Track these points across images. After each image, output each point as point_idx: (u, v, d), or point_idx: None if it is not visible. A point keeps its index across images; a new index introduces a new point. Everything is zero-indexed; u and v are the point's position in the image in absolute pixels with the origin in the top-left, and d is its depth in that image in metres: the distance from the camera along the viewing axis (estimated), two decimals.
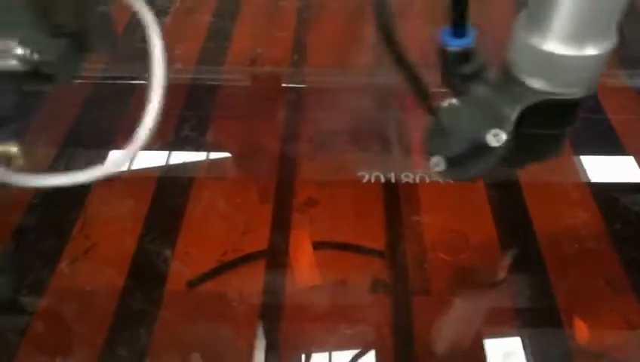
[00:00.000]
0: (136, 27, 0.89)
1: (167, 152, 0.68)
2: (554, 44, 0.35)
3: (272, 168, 0.67)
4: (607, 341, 0.52)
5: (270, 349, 0.51)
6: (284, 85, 0.79)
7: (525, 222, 0.60)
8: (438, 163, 0.41)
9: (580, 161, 0.67)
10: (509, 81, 0.39)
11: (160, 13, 0.93)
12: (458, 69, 0.40)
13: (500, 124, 0.38)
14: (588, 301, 0.55)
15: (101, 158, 0.67)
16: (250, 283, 0.56)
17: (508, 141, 0.38)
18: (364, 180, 0.65)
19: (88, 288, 0.55)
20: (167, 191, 0.64)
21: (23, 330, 0.52)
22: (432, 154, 0.42)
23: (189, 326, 0.52)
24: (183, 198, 0.63)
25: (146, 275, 0.56)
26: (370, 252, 0.59)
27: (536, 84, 0.38)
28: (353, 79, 0.79)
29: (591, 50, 0.35)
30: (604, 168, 0.66)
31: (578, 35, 0.35)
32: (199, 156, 0.69)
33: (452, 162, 0.41)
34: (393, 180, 0.65)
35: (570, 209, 0.62)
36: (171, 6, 0.94)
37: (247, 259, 0.58)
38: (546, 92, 0.38)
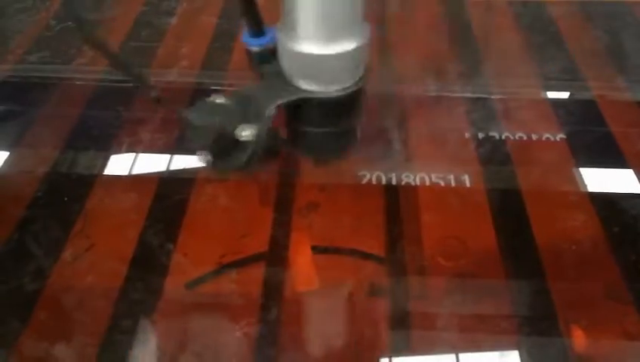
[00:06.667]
0: (140, 29, 0.90)
1: (168, 155, 0.69)
2: (300, 44, 0.38)
3: (272, 170, 0.67)
4: (603, 350, 0.51)
5: (267, 351, 0.51)
6: None
7: (525, 228, 0.60)
8: (203, 157, 0.43)
9: (581, 171, 0.66)
10: (275, 80, 0.41)
11: (167, 14, 0.94)
12: (256, 68, 0.42)
13: (255, 120, 0.40)
14: (586, 308, 0.54)
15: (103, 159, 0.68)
16: (248, 286, 0.56)
17: (261, 136, 0.40)
18: (365, 180, 0.65)
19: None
20: (167, 194, 0.65)
21: (26, 318, 0.52)
22: (196, 148, 0.43)
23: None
24: (183, 199, 0.63)
25: (148, 270, 0.57)
26: (369, 256, 0.59)
27: (296, 83, 0.40)
28: None
29: (332, 50, 0.37)
30: (605, 179, 0.65)
31: (318, 35, 0.37)
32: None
33: (216, 156, 0.43)
34: (394, 181, 0.64)
35: (570, 216, 0.61)
36: (178, 7, 0.95)
37: (245, 261, 0.58)
38: (303, 90, 0.40)
